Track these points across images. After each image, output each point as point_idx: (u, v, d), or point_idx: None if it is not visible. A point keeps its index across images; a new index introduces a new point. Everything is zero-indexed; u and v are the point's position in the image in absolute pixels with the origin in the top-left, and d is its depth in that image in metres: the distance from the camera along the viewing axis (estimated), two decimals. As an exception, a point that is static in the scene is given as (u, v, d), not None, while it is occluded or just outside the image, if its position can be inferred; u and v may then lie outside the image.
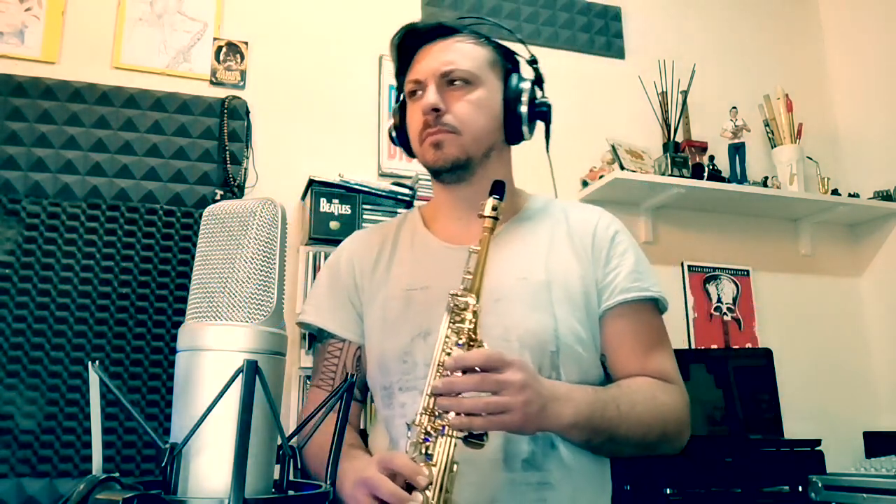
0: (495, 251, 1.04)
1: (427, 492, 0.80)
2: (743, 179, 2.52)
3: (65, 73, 2.01)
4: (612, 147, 2.41)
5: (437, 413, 0.85)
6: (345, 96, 2.30)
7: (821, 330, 2.62)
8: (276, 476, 0.56)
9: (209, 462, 0.51)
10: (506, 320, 1.02)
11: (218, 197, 2.02)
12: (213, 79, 2.16)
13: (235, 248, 0.56)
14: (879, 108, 2.72)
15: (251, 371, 0.50)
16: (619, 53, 2.66)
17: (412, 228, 1.19)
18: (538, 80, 1.14)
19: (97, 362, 0.54)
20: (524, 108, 1.09)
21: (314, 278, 1.97)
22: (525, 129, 1.11)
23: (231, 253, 0.56)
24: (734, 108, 2.59)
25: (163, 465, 0.50)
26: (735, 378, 2.25)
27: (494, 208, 0.95)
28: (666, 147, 2.49)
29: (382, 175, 2.24)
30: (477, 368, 0.85)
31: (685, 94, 2.56)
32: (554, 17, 2.61)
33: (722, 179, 2.47)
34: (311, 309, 1.17)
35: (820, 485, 1.87)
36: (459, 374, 0.85)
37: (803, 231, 2.70)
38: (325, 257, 1.99)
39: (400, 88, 1.17)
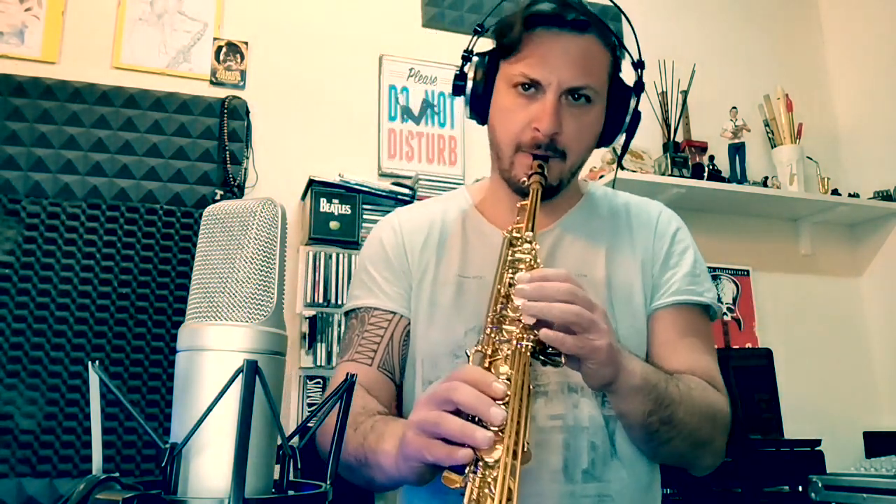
0: (558, 242, 1.02)
1: (506, 410, 0.67)
2: (743, 179, 2.52)
3: (65, 73, 2.01)
4: (612, 147, 2.41)
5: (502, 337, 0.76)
6: (345, 96, 2.30)
7: (821, 330, 2.62)
8: (276, 476, 0.56)
9: (209, 462, 0.51)
10: None
11: (218, 197, 2.02)
12: (213, 79, 2.16)
13: (235, 248, 0.56)
14: (879, 108, 2.73)
15: (251, 371, 0.50)
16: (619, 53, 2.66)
17: (462, 215, 1.09)
18: (639, 87, 1.06)
19: (97, 362, 0.54)
20: (627, 119, 1.04)
21: (314, 278, 1.97)
22: (618, 137, 1.06)
23: (231, 253, 0.56)
24: (734, 108, 2.59)
25: (163, 465, 0.50)
26: (735, 378, 2.25)
27: (540, 166, 0.93)
28: (666, 147, 2.49)
29: (382, 175, 2.25)
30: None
31: (685, 94, 2.56)
32: (554, 17, 2.61)
33: (722, 179, 2.48)
34: (361, 292, 1.06)
35: (820, 485, 1.87)
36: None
37: (803, 231, 2.70)
38: (325, 257, 1.99)
39: (494, 52, 1.01)
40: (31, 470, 1.74)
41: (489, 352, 0.76)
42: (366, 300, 1.04)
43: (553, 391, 0.93)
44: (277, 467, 0.56)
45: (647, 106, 2.55)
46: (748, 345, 2.51)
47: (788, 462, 1.94)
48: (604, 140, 1.05)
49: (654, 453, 0.95)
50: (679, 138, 2.53)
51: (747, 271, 2.59)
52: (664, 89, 2.56)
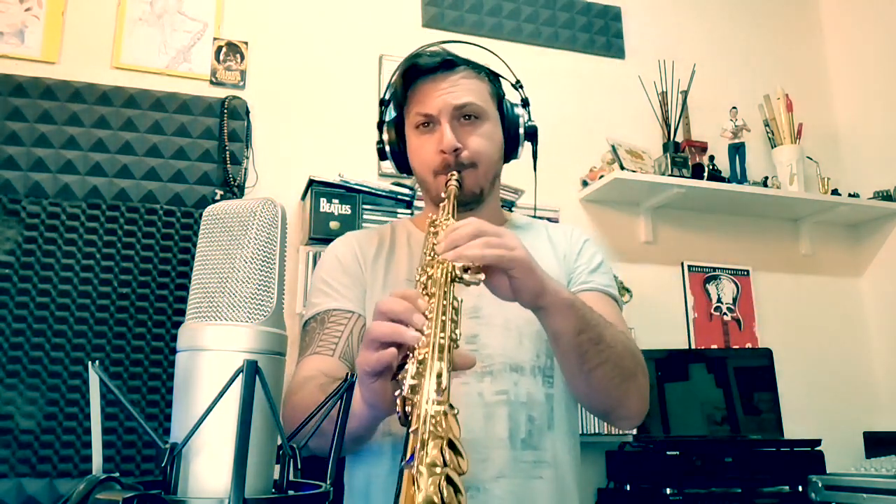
0: None
1: (428, 319, 0.76)
2: (743, 179, 2.52)
3: (65, 73, 2.01)
4: (612, 147, 2.41)
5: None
6: (345, 96, 2.30)
7: (821, 330, 2.62)
8: (276, 476, 0.56)
9: (209, 462, 0.51)
10: (507, 312, 1.09)
11: (218, 197, 2.02)
12: (213, 79, 2.16)
13: (235, 248, 0.56)
14: (879, 108, 2.73)
15: (251, 371, 0.50)
16: (619, 53, 2.67)
17: (406, 232, 1.24)
18: (525, 103, 1.23)
19: (97, 362, 0.54)
20: (521, 131, 1.20)
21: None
22: (521, 149, 1.22)
23: (231, 253, 0.56)
24: (734, 108, 2.59)
25: (163, 465, 0.50)
26: (735, 378, 2.25)
27: (457, 179, 1.09)
28: (666, 147, 2.49)
29: (382, 175, 2.24)
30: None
31: (685, 94, 2.56)
32: (554, 18, 2.61)
33: (722, 179, 2.48)
34: (319, 299, 1.17)
35: (820, 485, 1.87)
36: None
37: (803, 231, 2.70)
38: (325, 257, 1.99)
39: (397, 110, 1.22)
40: (31, 470, 1.74)
41: (422, 288, 0.84)
42: (324, 305, 1.15)
43: (497, 370, 1.06)
44: (277, 467, 0.56)
45: (647, 106, 2.55)
46: (748, 345, 2.51)
47: (788, 462, 1.94)
48: (508, 152, 1.21)
49: (586, 381, 1.01)
50: (679, 138, 2.53)
51: (747, 271, 2.59)
52: (664, 89, 2.56)
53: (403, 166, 1.23)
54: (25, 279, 1.83)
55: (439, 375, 0.69)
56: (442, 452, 0.61)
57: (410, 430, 0.63)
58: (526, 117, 1.21)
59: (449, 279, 0.83)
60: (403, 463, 0.60)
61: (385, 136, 1.22)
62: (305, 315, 1.19)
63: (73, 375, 1.81)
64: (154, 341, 1.89)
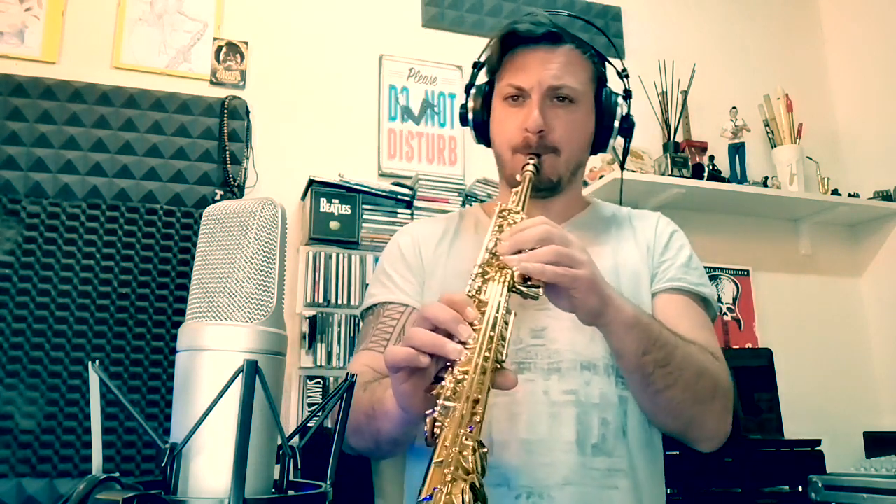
0: None
1: (475, 331, 0.72)
2: (743, 179, 2.52)
3: (65, 73, 2.01)
4: (612, 147, 2.40)
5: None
6: (345, 96, 2.30)
7: (821, 330, 2.62)
8: (276, 476, 0.56)
9: (209, 462, 0.51)
10: None
11: (218, 197, 2.02)
12: (213, 79, 2.16)
13: (235, 248, 0.56)
14: (879, 108, 2.72)
15: (251, 371, 0.50)
16: (619, 53, 2.66)
17: (475, 218, 1.17)
18: (627, 94, 1.13)
19: (97, 362, 0.54)
20: (616, 123, 1.11)
21: (314, 278, 1.97)
22: (612, 141, 1.13)
23: (231, 253, 0.56)
24: (734, 108, 2.59)
25: (163, 465, 0.50)
26: (735, 378, 2.25)
27: (533, 160, 1.02)
28: (666, 147, 2.49)
29: (382, 175, 2.25)
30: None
31: (685, 94, 2.56)
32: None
33: (722, 179, 2.47)
34: (377, 290, 1.12)
35: (820, 485, 1.87)
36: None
37: (803, 231, 2.70)
38: (325, 257, 1.99)
39: (489, 76, 1.14)
40: (31, 470, 1.74)
41: (474, 291, 0.80)
42: (380, 296, 1.10)
43: (566, 368, 0.97)
44: (277, 467, 0.56)
45: (647, 106, 2.55)
46: (748, 345, 2.51)
47: (788, 462, 1.94)
48: (598, 144, 1.13)
49: (653, 403, 0.96)
50: (679, 138, 2.53)
51: (747, 271, 2.59)
52: (664, 89, 2.56)
53: (483, 137, 1.14)
54: (25, 279, 1.83)
55: (475, 403, 0.66)
56: (463, 495, 0.59)
57: (434, 461, 0.61)
58: (625, 109, 1.12)
59: (505, 289, 0.78)
60: (419, 501, 0.59)
61: (470, 103, 1.13)
62: (363, 305, 1.14)
63: (73, 375, 1.81)
64: (154, 341, 1.89)
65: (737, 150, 2.55)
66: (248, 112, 2.15)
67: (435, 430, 0.66)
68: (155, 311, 1.91)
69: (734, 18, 2.88)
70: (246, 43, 2.23)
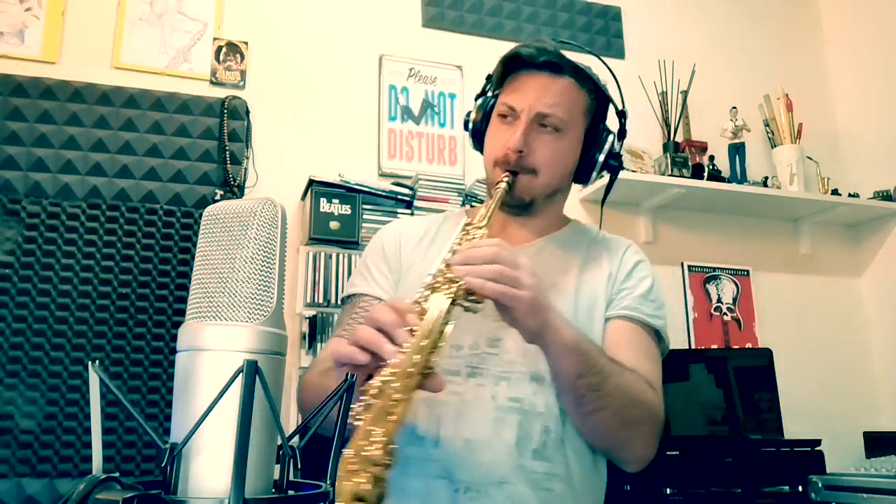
0: (539, 251, 1.16)
1: (412, 338, 0.80)
2: (743, 179, 2.52)
3: (65, 73, 2.01)
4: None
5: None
6: (345, 96, 2.30)
7: (821, 330, 2.62)
8: (276, 476, 0.56)
9: (209, 462, 0.51)
10: None
11: (218, 197, 2.02)
12: (213, 79, 2.16)
13: (235, 248, 0.56)
14: (879, 108, 2.72)
15: (251, 371, 0.50)
16: (619, 53, 2.66)
17: (457, 221, 1.20)
18: (621, 134, 1.18)
19: (97, 362, 0.54)
20: (601, 158, 1.15)
21: (314, 278, 1.97)
22: (594, 174, 1.17)
23: (231, 253, 0.56)
24: (734, 108, 2.59)
25: (163, 465, 0.50)
26: (735, 378, 2.25)
27: (507, 177, 1.08)
28: (666, 147, 2.49)
29: (382, 175, 2.25)
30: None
31: (685, 94, 2.56)
32: (554, 17, 2.61)
33: (722, 179, 2.47)
34: (356, 280, 1.20)
35: (820, 485, 1.87)
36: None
37: (803, 231, 2.70)
38: (325, 257, 1.99)
39: (493, 91, 1.20)
40: (31, 470, 1.74)
41: (422, 299, 0.88)
42: (358, 287, 1.18)
43: (516, 378, 1.04)
44: (277, 467, 0.56)
45: (647, 106, 2.55)
46: (748, 345, 2.51)
47: (788, 462, 1.94)
48: (581, 175, 1.18)
49: (582, 422, 1.03)
50: (679, 138, 2.53)
51: (747, 271, 2.59)
52: (664, 89, 2.56)
53: (480, 145, 1.22)
54: (25, 279, 1.83)
55: (396, 402, 0.72)
56: (363, 485, 0.67)
57: (344, 451, 0.68)
58: (616, 147, 1.17)
59: (449, 301, 0.85)
60: (322, 489, 0.63)
61: (472, 113, 1.21)
62: (344, 293, 1.23)
63: (73, 375, 1.81)
64: (154, 341, 1.89)
65: (737, 150, 2.55)
66: (248, 112, 2.15)
67: (355, 423, 0.73)
68: (155, 311, 1.91)
69: (734, 18, 2.88)
70: (246, 43, 2.23)
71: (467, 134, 1.23)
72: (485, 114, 1.19)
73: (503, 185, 1.07)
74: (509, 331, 1.04)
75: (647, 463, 1.08)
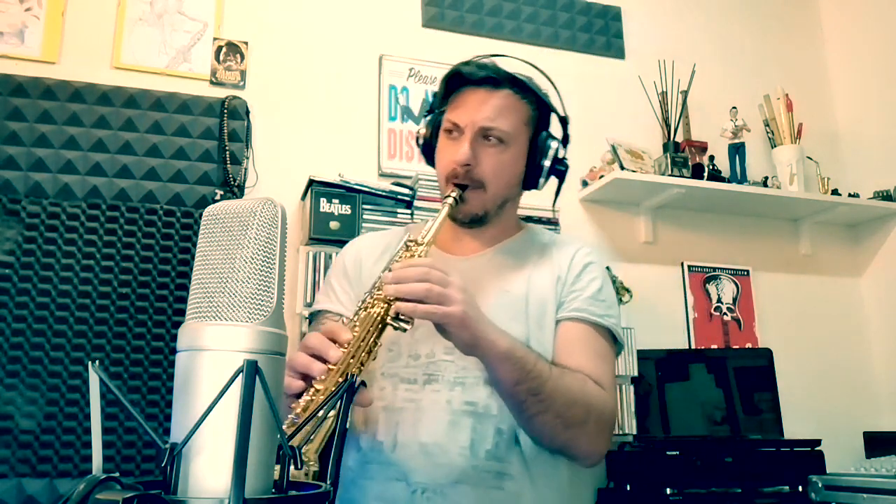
0: (489, 262, 1.20)
1: (341, 352, 0.89)
2: (743, 179, 2.52)
3: (65, 73, 2.01)
4: (612, 147, 2.41)
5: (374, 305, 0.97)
6: (345, 96, 2.30)
7: (821, 330, 2.62)
8: (276, 476, 0.56)
9: (209, 462, 0.51)
10: None
11: (218, 197, 2.02)
12: (213, 79, 2.16)
13: (235, 248, 0.56)
14: (879, 109, 2.73)
15: (251, 371, 0.50)
16: (619, 53, 2.66)
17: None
18: (565, 140, 1.22)
19: (97, 362, 0.54)
20: (547, 164, 1.19)
21: (314, 278, 1.97)
22: (542, 181, 1.21)
23: (231, 253, 0.56)
24: (734, 108, 2.59)
25: (163, 465, 0.50)
26: (735, 378, 2.26)
27: (455, 191, 1.13)
28: (666, 147, 2.49)
29: (382, 175, 2.24)
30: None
31: (685, 94, 2.56)
32: (554, 17, 2.61)
33: (722, 179, 2.48)
34: (320, 297, 1.26)
35: (820, 485, 1.87)
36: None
37: (803, 231, 2.70)
38: (326, 257, 1.99)
39: (437, 108, 1.24)
40: (31, 470, 1.74)
41: (357, 319, 0.97)
42: (321, 304, 1.23)
43: (470, 383, 1.09)
44: (277, 467, 0.56)
45: (647, 106, 2.55)
46: (748, 345, 2.51)
47: (788, 462, 1.95)
48: (529, 182, 1.21)
49: (527, 426, 1.07)
50: (679, 138, 2.53)
51: (747, 271, 2.59)
52: (664, 89, 2.56)
53: (430, 161, 1.25)
54: (25, 279, 1.83)
55: (322, 420, 0.76)
56: None
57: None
58: (561, 153, 1.20)
59: (377, 322, 0.93)
60: None
61: (422, 130, 1.25)
62: (309, 311, 1.28)
63: (73, 375, 1.81)
64: (154, 341, 1.89)
65: (737, 150, 2.55)
66: (248, 112, 2.15)
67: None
68: (155, 311, 1.91)
69: (734, 18, 2.88)
70: (246, 43, 2.23)
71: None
72: (433, 130, 1.23)
73: (450, 199, 1.12)
74: None
75: (600, 458, 1.13)
